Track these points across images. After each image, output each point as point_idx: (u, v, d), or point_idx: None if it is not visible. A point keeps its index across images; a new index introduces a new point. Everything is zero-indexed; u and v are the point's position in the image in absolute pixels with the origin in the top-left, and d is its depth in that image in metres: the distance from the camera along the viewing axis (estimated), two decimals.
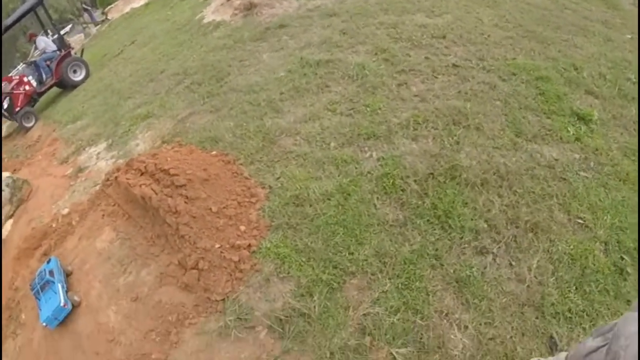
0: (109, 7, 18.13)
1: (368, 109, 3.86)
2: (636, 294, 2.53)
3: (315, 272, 2.80)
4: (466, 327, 2.44)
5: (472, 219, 2.86)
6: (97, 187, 4.78)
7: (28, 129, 8.80)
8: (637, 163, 3.38)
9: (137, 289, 3.43)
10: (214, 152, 3.91)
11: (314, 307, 2.68)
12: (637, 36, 5.30)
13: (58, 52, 9.76)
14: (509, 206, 2.92)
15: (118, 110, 6.31)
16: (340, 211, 3.01)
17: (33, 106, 9.46)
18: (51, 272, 3.90)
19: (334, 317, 2.62)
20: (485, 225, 2.84)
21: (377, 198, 3.07)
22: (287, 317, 2.71)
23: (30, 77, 9.38)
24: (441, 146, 3.34)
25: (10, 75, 10.94)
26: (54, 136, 7.68)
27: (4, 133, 10.94)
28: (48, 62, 9.57)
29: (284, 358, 2.63)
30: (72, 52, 10.32)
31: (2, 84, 9.20)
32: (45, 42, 9.80)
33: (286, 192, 3.26)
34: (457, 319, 2.48)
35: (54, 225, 5.05)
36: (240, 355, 2.75)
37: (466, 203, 2.94)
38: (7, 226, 6.01)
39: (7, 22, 10.06)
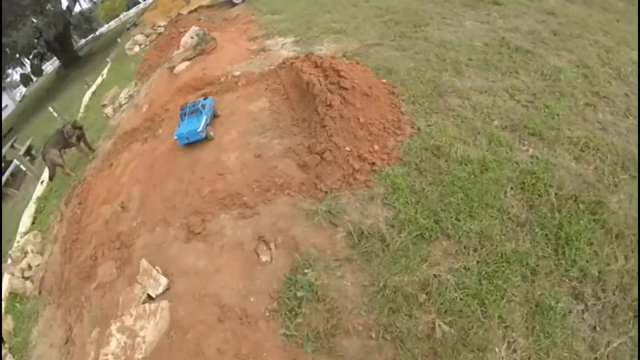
0: None
1: (546, 109, 3.94)
2: None
3: (417, 215, 3.11)
4: (515, 351, 2.49)
5: (587, 261, 2.82)
6: (272, 67, 5.71)
7: (234, 5, 10.57)
8: None
9: (264, 150, 4.20)
10: (384, 80, 4.42)
11: (396, 241, 3.00)
12: None
13: None
14: (629, 272, 2.79)
15: (315, 19, 7.26)
16: (471, 179, 3.24)
17: None
18: (203, 106, 4.88)
19: (407, 259, 2.91)
20: (596, 275, 2.77)
21: (512, 188, 3.20)
22: (369, 234, 3.09)
23: None
24: (598, 179, 3.30)
25: None
26: (251, 19, 9.11)
27: (207, 1, 13.25)
28: None
29: (342, 262, 3.03)
30: None
31: None
32: None
33: (430, 140, 3.59)
34: (514, 339, 2.53)
35: (222, 79, 6.23)
36: (311, 239, 3.26)
37: (591, 243, 2.91)
38: (182, 65, 7.56)
39: None
